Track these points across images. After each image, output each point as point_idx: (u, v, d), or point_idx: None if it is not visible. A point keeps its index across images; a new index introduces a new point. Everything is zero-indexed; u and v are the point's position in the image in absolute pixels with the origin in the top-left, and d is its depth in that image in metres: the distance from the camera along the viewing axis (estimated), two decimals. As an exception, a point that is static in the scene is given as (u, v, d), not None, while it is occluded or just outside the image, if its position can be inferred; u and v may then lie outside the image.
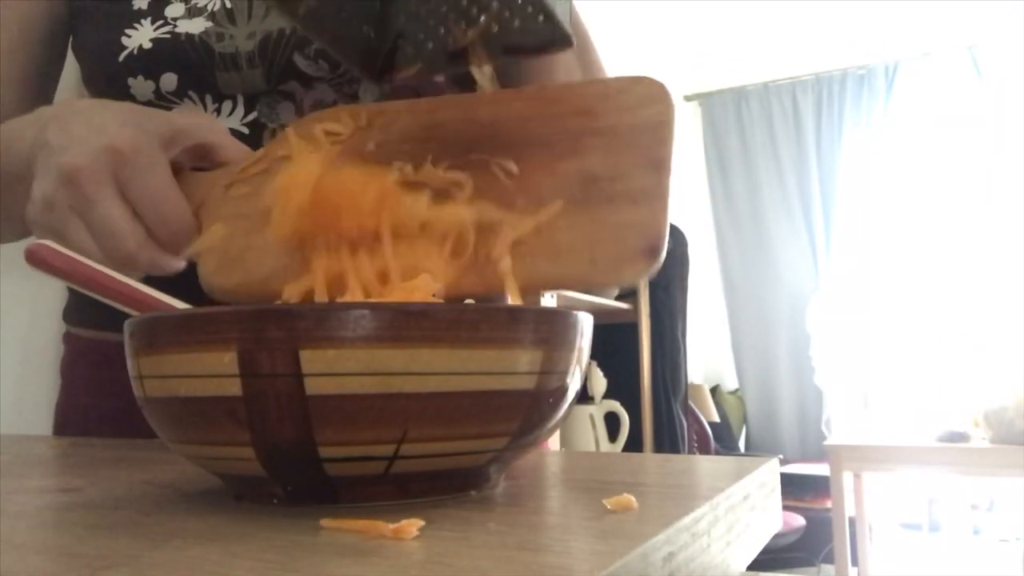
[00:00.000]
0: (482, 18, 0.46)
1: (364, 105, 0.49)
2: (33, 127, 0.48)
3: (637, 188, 0.39)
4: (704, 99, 4.46)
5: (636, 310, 2.81)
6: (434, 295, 0.38)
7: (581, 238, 0.39)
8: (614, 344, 2.70)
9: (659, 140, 0.40)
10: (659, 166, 0.39)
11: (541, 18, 0.45)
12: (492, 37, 0.46)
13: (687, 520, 0.26)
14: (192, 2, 0.64)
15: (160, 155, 0.45)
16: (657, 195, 0.39)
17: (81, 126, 0.45)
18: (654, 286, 2.87)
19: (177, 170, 0.47)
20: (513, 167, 0.42)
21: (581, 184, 0.40)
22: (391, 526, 0.24)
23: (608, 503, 0.28)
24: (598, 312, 2.59)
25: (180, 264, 0.47)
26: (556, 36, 0.46)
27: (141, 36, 0.62)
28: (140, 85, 0.62)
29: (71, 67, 0.71)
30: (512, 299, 0.39)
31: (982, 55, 3.79)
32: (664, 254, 0.37)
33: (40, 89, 0.70)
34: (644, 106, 0.41)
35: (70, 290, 0.72)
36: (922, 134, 3.90)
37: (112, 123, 0.45)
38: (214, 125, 0.50)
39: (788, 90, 4.26)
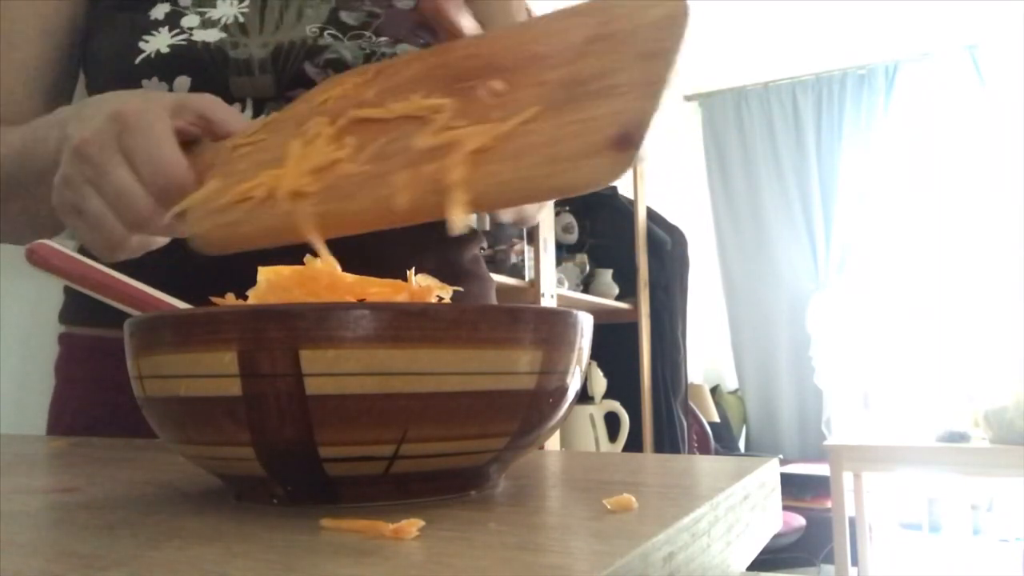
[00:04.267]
0: None
1: (377, 64, 0.49)
2: (55, 128, 0.51)
3: (624, 81, 0.34)
4: (704, 99, 4.46)
5: (636, 310, 2.81)
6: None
7: (547, 138, 0.34)
8: (614, 344, 2.70)
9: (661, 34, 0.36)
10: (654, 56, 0.35)
11: None
12: None
13: (687, 520, 0.26)
14: (207, 15, 0.66)
15: (162, 115, 0.46)
16: (642, 83, 0.34)
17: (92, 108, 0.48)
18: (654, 286, 2.87)
19: (192, 142, 0.47)
20: (499, 86, 0.39)
21: (564, 88, 0.36)
22: (391, 526, 0.24)
23: (608, 503, 0.28)
24: (598, 312, 2.59)
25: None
26: None
27: (159, 42, 0.64)
28: (153, 87, 0.63)
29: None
30: (454, 211, 0.34)
31: (982, 55, 3.79)
32: (638, 148, 0.32)
33: (54, 85, 0.70)
34: (653, 7, 0.37)
35: (67, 290, 0.72)
36: (922, 134, 3.90)
37: (119, 100, 0.47)
38: (220, 102, 0.50)
39: (788, 90, 4.26)
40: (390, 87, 0.45)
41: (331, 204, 0.40)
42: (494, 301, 0.78)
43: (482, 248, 0.82)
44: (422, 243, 0.70)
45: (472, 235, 0.77)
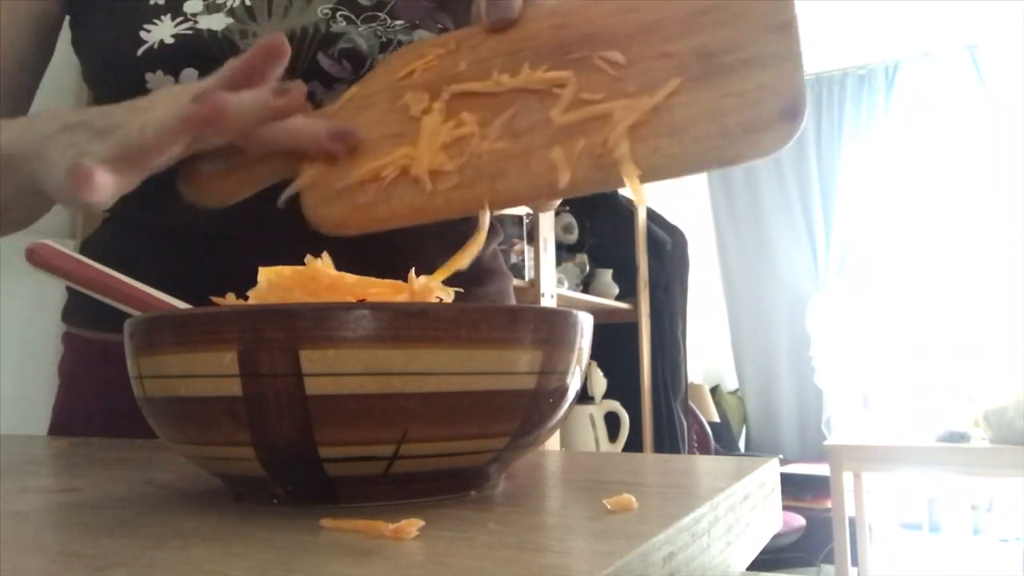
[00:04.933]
0: None
1: (452, 33, 0.49)
2: (49, 123, 0.50)
3: (763, 53, 0.36)
4: (704, 99, 4.45)
5: (636, 310, 2.81)
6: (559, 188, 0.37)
7: (706, 111, 0.36)
8: (614, 344, 2.70)
9: (780, 4, 0.37)
10: (784, 29, 0.36)
11: None
12: None
13: (687, 520, 0.26)
14: None
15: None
16: (787, 56, 0.35)
17: (147, 102, 0.49)
18: (654, 286, 2.87)
19: None
20: (619, 57, 0.39)
21: (697, 60, 0.37)
22: (391, 526, 0.24)
23: (608, 503, 0.28)
24: (598, 312, 2.59)
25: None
26: None
27: (162, 32, 0.61)
28: (159, 80, 0.61)
29: (71, 67, 0.71)
30: (631, 187, 0.35)
31: (982, 55, 3.78)
32: (803, 119, 0.34)
33: (20, 84, 0.69)
34: None
35: (70, 290, 0.72)
36: (922, 134, 3.90)
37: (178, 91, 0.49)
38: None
39: (788, 90, 4.25)
40: (479, 59, 0.45)
41: (479, 183, 0.41)
42: (512, 297, 0.78)
43: (500, 244, 0.81)
44: (449, 241, 0.69)
45: (493, 231, 0.75)
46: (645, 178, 0.36)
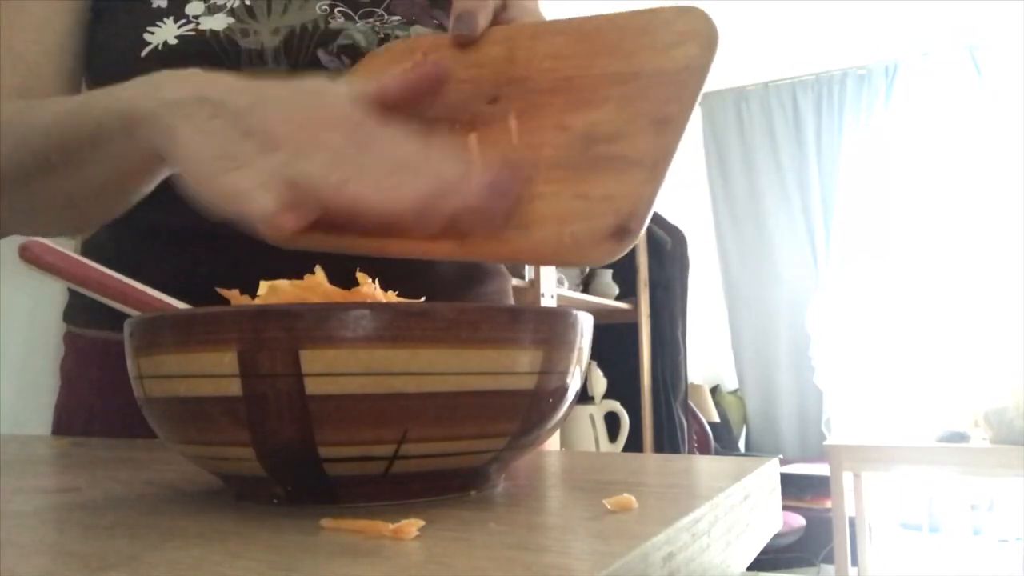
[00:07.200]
0: None
1: (424, 38, 0.49)
2: (169, 83, 0.43)
3: (631, 153, 0.36)
4: (704, 99, 4.45)
5: (636, 310, 2.81)
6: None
7: (555, 212, 0.36)
8: (614, 344, 2.70)
9: (677, 92, 0.37)
10: (665, 125, 0.37)
11: None
12: None
13: (687, 520, 0.26)
14: (211, 0, 0.64)
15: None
16: (649, 164, 0.36)
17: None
18: (654, 286, 2.87)
19: None
20: (514, 128, 0.41)
21: (582, 144, 0.38)
22: (391, 526, 0.24)
23: (608, 503, 0.28)
24: (598, 312, 2.59)
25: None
26: None
27: (165, 33, 0.62)
28: None
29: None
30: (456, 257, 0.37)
31: (982, 55, 3.78)
32: (635, 236, 0.34)
33: (70, 67, 0.67)
34: (678, 46, 0.38)
35: (70, 290, 0.72)
36: (922, 134, 3.90)
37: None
38: None
39: (788, 90, 4.25)
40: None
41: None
42: (511, 296, 0.78)
43: None
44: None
45: None
46: (492, 261, 0.38)
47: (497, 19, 0.48)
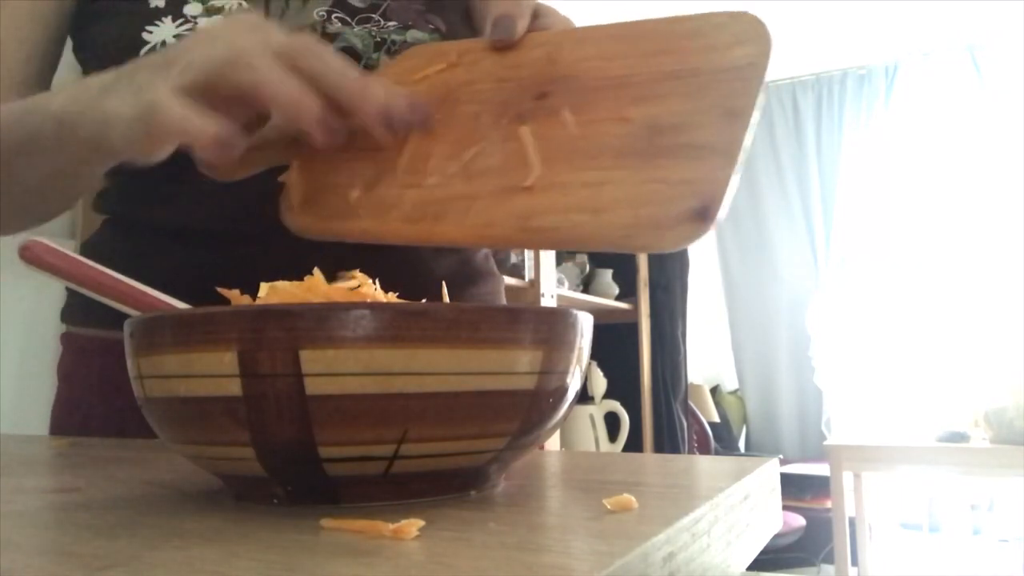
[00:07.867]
0: None
1: (454, 43, 0.49)
2: (104, 78, 0.45)
3: (703, 141, 0.36)
4: (704, 99, 4.45)
5: (636, 310, 2.81)
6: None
7: (629, 196, 0.36)
8: (614, 344, 2.70)
9: (742, 86, 0.37)
10: (734, 116, 0.36)
11: None
12: None
13: (687, 520, 0.26)
14: (210, 2, 0.64)
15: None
16: (723, 150, 0.35)
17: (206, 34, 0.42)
18: (654, 286, 2.87)
19: None
20: (571, 120, 0.40)
21: (647, 134, 0.38)
22: (391, 526, 0.24)
23: (608, 503, 0.28)
24: (598, 312, 2.59)
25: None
26: None
27: (164, 32, 0.62)
28: None
29: (71, 70, 0.71)
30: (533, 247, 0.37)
31: (982, 55, 3.78)
32: (718, 219, 0.34)
33: (40, 77, 0.68)
34: (735, 46, 0.38)
35: (69, 290, 0.72)
36: (922, 134, 3.90)
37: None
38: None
39: (788, 90, 4.25)
40: (470, 80, 0.46)
41: (423, 221, 0.42)
42: (503, 297, 0.78)
43: None
44: (463, 254, 0.70)
45: None
46: (554, 248, 0.37)
47: (531, 27, 0.48)
